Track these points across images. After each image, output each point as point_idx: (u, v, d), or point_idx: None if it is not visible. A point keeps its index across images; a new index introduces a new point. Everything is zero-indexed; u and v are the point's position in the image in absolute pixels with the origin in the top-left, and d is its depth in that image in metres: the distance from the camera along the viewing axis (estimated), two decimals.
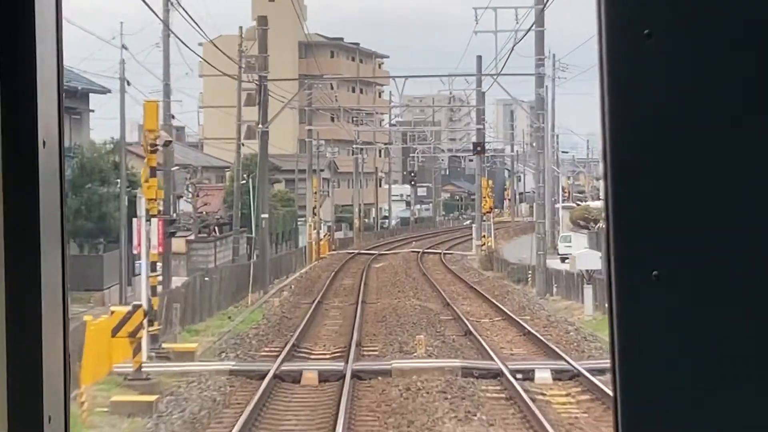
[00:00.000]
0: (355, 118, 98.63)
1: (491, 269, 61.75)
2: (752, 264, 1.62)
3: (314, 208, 75.07)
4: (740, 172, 1.62)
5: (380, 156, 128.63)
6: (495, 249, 67.66)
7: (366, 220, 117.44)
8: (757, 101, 1.62)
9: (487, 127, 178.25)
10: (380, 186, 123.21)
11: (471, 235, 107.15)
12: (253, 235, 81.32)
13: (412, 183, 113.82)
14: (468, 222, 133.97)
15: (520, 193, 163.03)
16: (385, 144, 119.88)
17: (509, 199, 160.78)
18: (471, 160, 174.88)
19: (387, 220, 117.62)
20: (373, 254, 75.11)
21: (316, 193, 75.92)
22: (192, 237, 67.18)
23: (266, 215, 47.72)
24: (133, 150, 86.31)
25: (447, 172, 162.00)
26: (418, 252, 75.53)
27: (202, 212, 77.65)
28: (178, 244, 65.78)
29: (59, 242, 1.88)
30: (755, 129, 1.62)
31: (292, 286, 48.22)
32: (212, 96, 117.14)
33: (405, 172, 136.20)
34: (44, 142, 1.82)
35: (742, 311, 1.62)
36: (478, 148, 69.44)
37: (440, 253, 75.50)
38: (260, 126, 47.25)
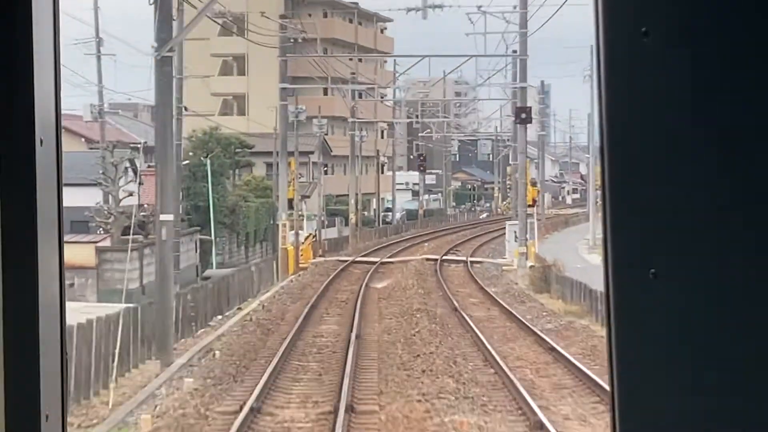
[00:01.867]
0: (353, 77, 76.23)
1: (548, 292, 39.78)
2: (750, 262, 1.59)
3: (292, 199, 52.94)
4: (738, 171, 1.58)
5: (382, 137, 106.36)
6: (552, 262, 45.30)
7: (365, 212, 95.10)
8: (756, 99, 1.58)
9: (494, 112, 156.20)
10: (382, 172, 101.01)
11: (494, 231, 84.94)
12: (212, 236, 58.87)
13: (422, 168, 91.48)
14: (485, 215, 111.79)
15: (533, 182, 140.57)
16: (390, 122, 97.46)
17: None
18: (484, 144, 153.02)
19: (390, 213, 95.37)
20: (373, 263, 53.06)
21: (293, 180, 53.70)
22: (107, 242, 44.87)
23: (170, 216, 24.72)
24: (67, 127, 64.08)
25: (457, 158, 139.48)
26: (435, 260, 53.46)
27: (143, 204, 55.39)
28: (84, 254, 43.54)
29: (57, 241, 1.85)
30: (754, 127, 1.58)
31: (219, 352, 25.36)
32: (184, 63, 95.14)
33: (412, 156, 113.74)
34: (41, 141, 1.80)
35: (740, 309, 1.59)
36: (523, 116, 47.37)
37: (465, 262, 53.41)
38: (154, 47, 24.07)
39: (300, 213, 56.36)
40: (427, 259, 54.39)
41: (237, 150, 63.85)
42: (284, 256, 48.81)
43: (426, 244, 67.87)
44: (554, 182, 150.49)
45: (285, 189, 49.53)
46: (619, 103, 1.62)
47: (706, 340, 1.60)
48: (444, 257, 56.28)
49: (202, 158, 58.00)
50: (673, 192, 1.60)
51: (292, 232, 51.52)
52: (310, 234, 56.82)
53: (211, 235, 57.06)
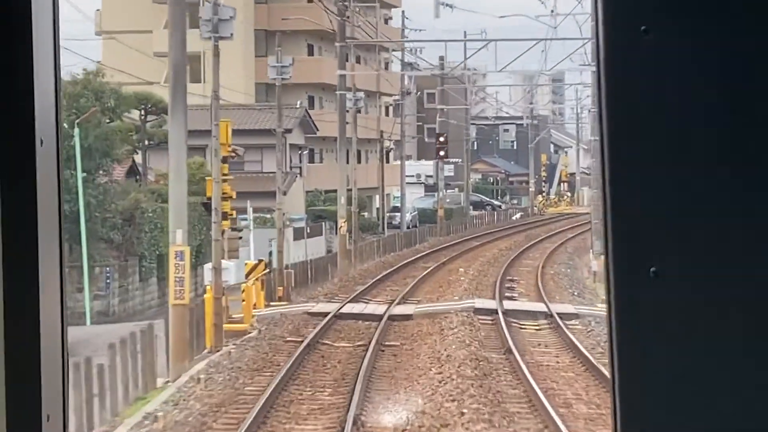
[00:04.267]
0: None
1: None
2: (749, 261, 1.57)
3: (210, 203, 26.29)
4: (739, 169, 1.58)
5: (387, 114, 79.55)
6: None
7: (365, 214, 68.38)
8: (756, 96, 1.58)
9: (501, 102, 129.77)
10: (387, 161, 74.37)
11: (545, 239, 58.16)
12: (83, 262, 31.50)
13: (441, 155, 64.42)
14: (518, 216, 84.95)
15: (571, 174, 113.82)
16: (398, 90, 70.37)
17: (567, 182, 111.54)
18: (507, 130, 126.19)
19: (398, 215, 68.49)
20: (374, 319, 26.60)
21: (224, 162, 26.89)
22: None
23: None
24: None
25: (475, 146, 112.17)
26: (493, 312, 26.93)
27: None
28: None
29: (57, 241, 1.82)
30: (753, 125, 1.58)
31: None
32: (115, 16, 68.97)
33: (427, 139, 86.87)
34: (42, 141, 1.76)
35: (740, 308, 1.57)
36: None
37: (549, 315, 26.77)
38: None
39: (234, 226, 29.44)
40: (477, 311, 27.63)
41: (145, 114, 36.88)
42: (182, 317, 21.87)
43: (460, 264, 41.07)
44: (587, 174, 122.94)
45: (181, 180, 22.53)
46: (619, 101, 1.58)
47: (707, 338, 1.56)
48: (504, 300, 29.62)
49: (65, 125, 30.95)
50: (674, 191, 1.57)
51: (210, 265, 24.79)
52: (261, 261, 29.88)
53: (81, 262, 30.28)
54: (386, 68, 79.62)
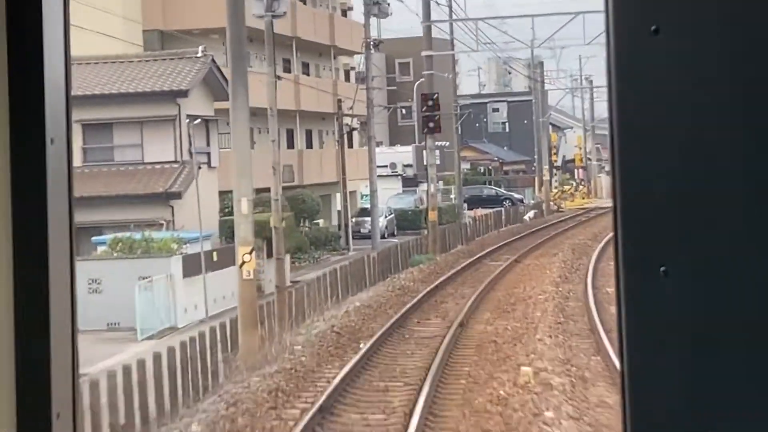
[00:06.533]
0: None
1: None
2: (762, 259, 1.54)
3: None
4: (749, 167, 1.55)
5: (347, 80, 56.18)
6: None
7: (319, 222, 45.02)
8: (766, 95, 1.55)
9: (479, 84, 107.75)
10: (350, 146, 51.20)
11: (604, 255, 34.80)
12: None
13: (430, 128, 40.93)
14: (531, 214, 61.64)
15: (576, 161, 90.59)
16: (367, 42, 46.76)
17: (583, 168, 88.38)
18: (496, 109, 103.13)
19: (369, 220, 45.15)
20: None
21: None
22: None
23: None
24: None
25: (459, 130, 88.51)
26: None
27: None
28: None
29: (68, 241, 1.80)
30: (765, 122, 1.55)
31: None
32: None
33: (402, 114, 63.65)
34: (52, 140, 1.75)
35: (751, 306, 1.54)
36: None
37: None
38: None
39: None
40: None
41: None
42: None
43: (522, 364, 17.79)
44: (590, 161, 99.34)
45: None
46: (630, 101, 1.57)
47: (718, 337, 1.53)
48: None
49: None
50: (684, 189, 1.55)
51: None
52: None
53: None
54: (344, 15, 56.44)
